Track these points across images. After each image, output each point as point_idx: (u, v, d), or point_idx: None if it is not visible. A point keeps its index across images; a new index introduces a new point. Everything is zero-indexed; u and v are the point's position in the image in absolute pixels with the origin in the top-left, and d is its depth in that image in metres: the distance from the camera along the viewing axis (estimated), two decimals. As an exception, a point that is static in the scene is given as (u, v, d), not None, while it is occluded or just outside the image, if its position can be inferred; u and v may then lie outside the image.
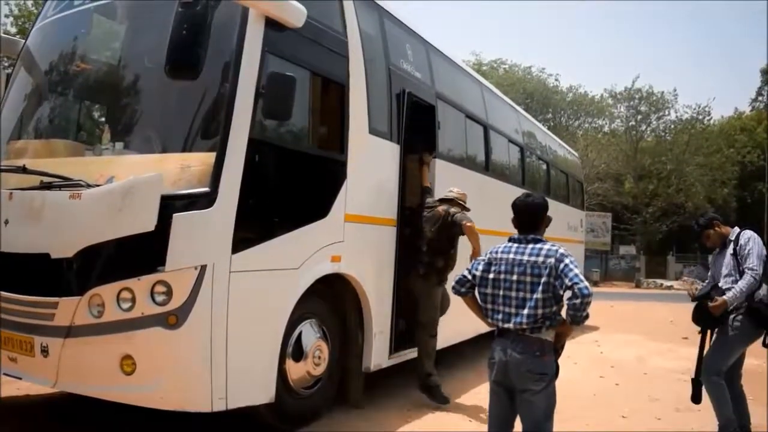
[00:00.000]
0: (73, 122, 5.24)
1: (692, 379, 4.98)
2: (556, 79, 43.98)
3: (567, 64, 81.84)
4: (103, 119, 5.31)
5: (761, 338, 4.82)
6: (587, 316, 3.31)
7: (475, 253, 5.52)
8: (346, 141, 5.20)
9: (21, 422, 4.96)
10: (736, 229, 5.04)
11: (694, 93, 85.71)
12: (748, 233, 4.93)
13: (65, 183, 4.21)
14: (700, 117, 39.18)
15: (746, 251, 4.79)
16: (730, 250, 4.92)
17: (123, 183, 3.93)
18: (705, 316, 4.80)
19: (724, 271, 4.92)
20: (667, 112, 39.51)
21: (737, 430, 4.80)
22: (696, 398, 4.93)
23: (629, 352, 9.89)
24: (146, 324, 3.90)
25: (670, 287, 31.55)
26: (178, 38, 3.78)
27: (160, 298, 3.89)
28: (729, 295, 4.68)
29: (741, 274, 4.78)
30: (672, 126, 39.71)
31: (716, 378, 4.79)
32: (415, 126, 6.35)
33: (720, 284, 4.93)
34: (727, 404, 4.81)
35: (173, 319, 3.86)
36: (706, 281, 5.27)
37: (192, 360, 3.98)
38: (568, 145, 17.17)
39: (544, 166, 11.93)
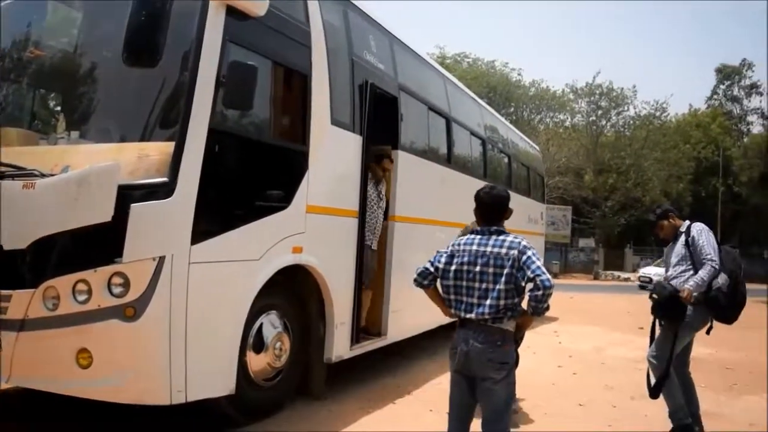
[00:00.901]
0: (27, 111, 5.11)
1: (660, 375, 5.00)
2: (519, 74, 44.49)
3: (530, 60, 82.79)
4: (58, 108, 5.19)
5: (706, 327, 4.96)
6: (548, 308, 3.37)
7: None
8: (308, 132, 5.17)
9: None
10: (687, 222, 5.17)
11: (653, 90, 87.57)
12: (699, 225, 5.07)
13: (18, 173, 4.09)
14: (658, 113, 40.08)
15: (700, 243, 4.90)
16: (681, 240, 5.04)
17: (79, 172, 3.84)
18: (668, 309, 4.87)
19: (674, 260, 5.04)
20: (626, 108, 40.37)
21: (687, 416, 4.93)
22: (655, 393, 4.98)
23: (587, 343, 10.08)
24: (103, 316, 3.82)
25: (627, 279, 32.23)
26: (136, 25, 3.70)
27: (117, 290, 3.82)
28: (691, 283, 4.77)
29: (694, 264, 4.89)
30: (631, 121, 40.51)
31: (663, 365, 4.89)
32: (378, 117, 6.34)
33: (668, 274, 5.04)
34: (677, 391, 4.93)
35: (131, 311, 3.80)
36: (665, 274, 5.40)
37: (150, 352, 3.92)
38: (530, 139, 17.35)
39: (506, 160, 12.04)
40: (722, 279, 4.84)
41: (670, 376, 4.86)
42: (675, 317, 4.85)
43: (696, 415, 5.03)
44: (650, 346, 5.04)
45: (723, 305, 4.84)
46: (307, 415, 5.18)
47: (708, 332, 4.99)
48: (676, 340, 4.84)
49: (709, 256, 4.82)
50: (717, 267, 4.79)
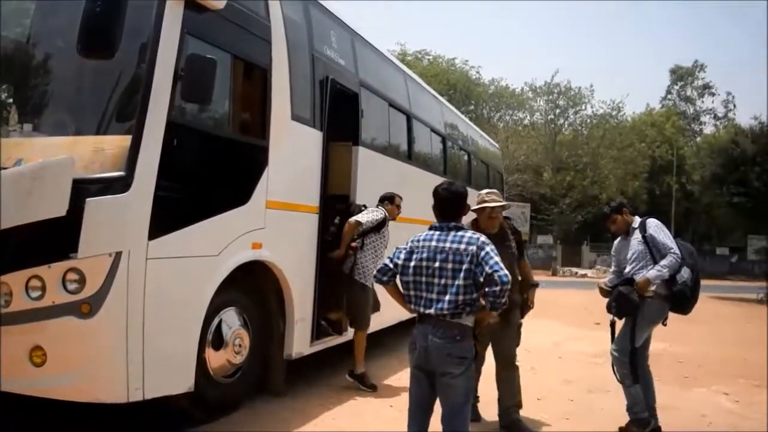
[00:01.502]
0: (-23, 102, 4.96)
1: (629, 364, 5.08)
2: (478, 72, 44.82)
3: (489, 58, 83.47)
4: (10, 100, 5.05)
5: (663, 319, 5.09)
6: (506, 303, 3.40)
7: None
8: (268, 127, 5.14)
9: None
10: (638, 218, 5.28)
11: (610, 90, 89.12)
12: (653, 221, 5.17)
13: (-32, 166, 3.98)
14: (614, 113, 40.85)
15: (660, 238, 5.00)
16: (637, 237, 5.13)
17: (32, 165, 3.75)
18: (622, 303, 4.97)
19: (632, 256, 5.13)
20: (583, 107, 41.01)
21: (644, 410, 5.04)
22: (635, 380, 5.05)
23: (545, 337, 10.20)
24: (57, 313, 3.76)
25: (584, 275, 32.76)
26: (92, 15, 3.63)
27: (72, 287, 3.76)
28: (652, 273, 4.86)
29: (654, 260, 4.98)
30: (588, 120, 41.17)
31: (625, 359, 5.01)
32: (339, 113, 6.34)
33: (626, 271, 5.14)
34: (634, 387, 5.03)
35: (86, 308, 3.74)
36: (612, 269, 5.52)
37: (106, 350, 3.86)
38: (490, 136, 17.51)
39: (466, 157, 12.14)
40: (686, 273, 4.95)
41: (629, 367, 4.97)
42: (629, 311, 4.96)
43: (652, 407, 5.15)
44: (612, 341, 5.14)
45: (688, 298, 4.97)
46: (267, 412, 5.15)
47: (665, 323, 5.11)
48: (635, 334, 4.95)
49: (672, 250, 4.92)
50: (679, 259, 4.90)
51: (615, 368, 5.09)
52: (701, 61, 51.77)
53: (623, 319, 5.08)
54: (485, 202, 4.86)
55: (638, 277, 4.94)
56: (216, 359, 4.78)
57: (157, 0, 4.09)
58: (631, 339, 4.96)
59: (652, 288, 4.90)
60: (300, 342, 5.72)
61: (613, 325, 5.14)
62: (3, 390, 4.00)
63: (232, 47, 4.76)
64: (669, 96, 53.18)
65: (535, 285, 5.50)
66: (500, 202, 4.90)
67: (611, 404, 5.62)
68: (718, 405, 6.27)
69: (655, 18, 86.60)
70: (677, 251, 4.92)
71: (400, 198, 6.62)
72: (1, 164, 3.92)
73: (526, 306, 5.38)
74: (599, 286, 5.36)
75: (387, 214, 6.38)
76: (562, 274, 34.06)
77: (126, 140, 3.90)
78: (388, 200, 6.51)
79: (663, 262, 4.89)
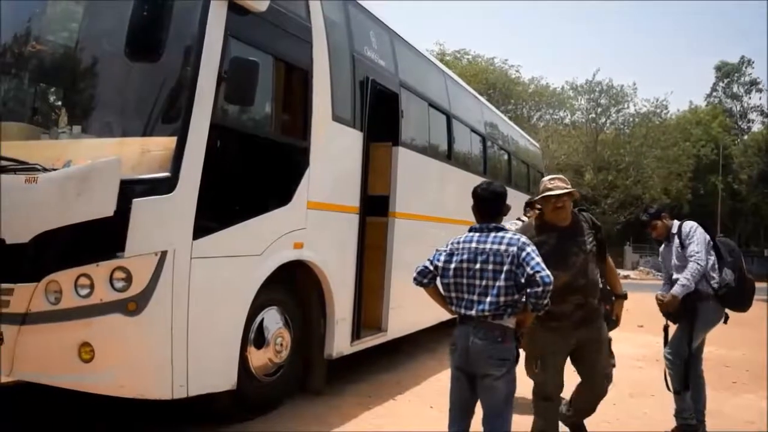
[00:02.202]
0: (28, 105, 5.10)
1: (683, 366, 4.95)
2: (518, 71, 44.34)
3: (529, 56, 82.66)
4: (60, 102, 5.18)
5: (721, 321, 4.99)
6: (548, 304, 3.36)
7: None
8: (309, 127, 5.18)
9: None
10: (677, 222, 5.17)
11: (653, 87, 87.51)
12: (689, 223, 5.06)
13: (20, 167, 4.10)
14: (658, 111, 40.06)
15: (689, 240, 4.90)
16: (676, 243, 5.04)
17: (81, 167, 3.85)
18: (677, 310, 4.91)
19: (677, 263, 5.03)
20: (626, 106, 40.32)
21: (692, 416, 4.93)
22: (684, 386, 4.94)
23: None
24: (105, 311, 3.84)
25: (626, 277, 32.19)
26: (138, 20, 3.71)
27: (119, 285, 3.84)
28: (677, 289, 4.77)
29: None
30: (631, 119, 40.49)
31: (679, 362, 4.91)
32: (379, 114, 6.35)
33: (674, 277, 5.04)
34: (687, 390, 4.94)
35: (133, 306, 3.81)
36: (663, 276, 5.42)
37: (152, 347, 3.93)
38: (530, 136, 17.35)
39: (506, 156, 12.04)
40: (728, 275, 4.85)
41: (683, 373, 4.88)
42: (686, 315, 4.87)
43: (702, 413, 5.03)
44: (665, 345, 5.05)
45: (735, 297, 4.87)
46: (307, 411, 5.19)
47: (725, 321, 5.00)
48: (692, 337, 4.86)
49: (693, 253, 4.81)
50: (701, 263, 4.78)
51: (668, 373, 4.99)
52: (748, 57, 50.43)
53: (677, 323, 4.99)
54: (548, 189, 4.10)
55: (665, 297, 4.87)
56: (258, 358, 4.84)
57: (202, 3, 4.16)
58: (688, 343, 4.87)
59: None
60: (340, 341, 5.75)
61: (666, 329, 5.05)
62: (51, 385, 4.12)
63: (274, 49, 4.82)
64: (714, 93, 51.96)
65: (623, 296, 4.54)
66: (567, 188, 4.09)
67: (654, 409, 5.51)
68: (766, 412, 6.11)
69: (699, 13, 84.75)
70: (699, 254, 4.79)
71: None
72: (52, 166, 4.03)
73: (610, 320, 4.52)
74: (657, 298, 5.16)
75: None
76: (604, 275, 33.52)
77: (171, 142, 3.97)
78: (530, 206, 6.16)
79: (685, 274, 4.78)
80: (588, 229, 4.23)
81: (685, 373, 4.87)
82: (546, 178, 4.22)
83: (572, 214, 4.20)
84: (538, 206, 4.24)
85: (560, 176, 4.24)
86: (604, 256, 4.33)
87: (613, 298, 4.49)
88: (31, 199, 3.95)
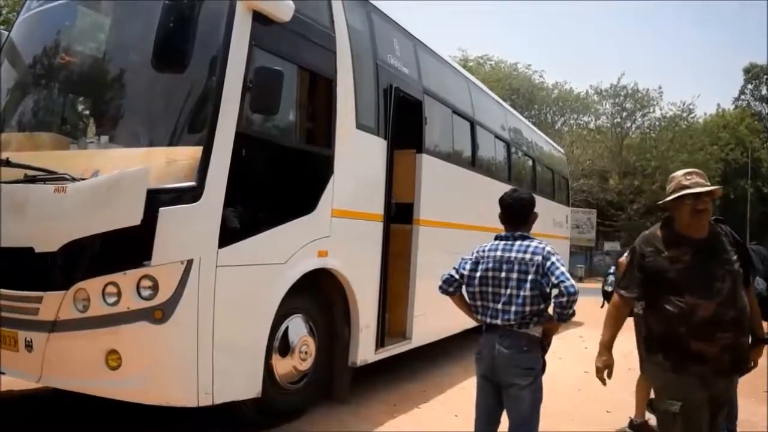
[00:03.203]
0: (57, 115, 5.18)
1: None
2: (542, 76, 44.12)
3: (553, 61, 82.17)
4: (88, 112, 5.26)
5: None
6: (573, 314, 3.33)
7: None
8: (334, 136, 5.20)
9: (3, 417, 4.92)
10: None
11: (679, 91, 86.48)
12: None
13: (50, 176, 4.17)
14: (684, 114, 39.58)
15: None
16: None
17: (109, 177, 3.90)
18: None
19: None
20: (652, 110, 39.85)
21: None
22: None
23: (614, 348, 9.93)
24: (132, 318, 3.87)
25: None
26: (165, 31, 3.76)
27: (146, 293, 3.87)
28: None
29: None
30: (657, 123, 40.02)
31: None
32: (403, 121, 6.35)
33: None
34: None
35: (159, 314, 3.84)
36: None
37: (178, 355, 3.96)
38: (554, 141, 17.24)
39: (530, 163, 11.98)
40: (761, 284, 4.74)
41: None
42: None
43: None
44: None
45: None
46: (332, 419, 5.19)
47: None
48: None
49: None
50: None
51: None
52: (778, 59, 49.59)
53: None
54: (685, 187, 3.17)
55: None
56: (282, 366, 4.85)
57: (227, 14, 4.21)
58: None
59: None
60: (365, 349, 5.74)
61: None
62: (79, 391, 4.17)
63: (298, 58, 4.84)
64: (743, 96, 51.17)
65: (765, 341, 3.47)
66: (707, 185, 3.18)
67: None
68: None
69: (725, 15, 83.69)
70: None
71: None
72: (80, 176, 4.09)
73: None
74: None
75: None
76: (630, 281, 33.10)
77: (197, 151, 4.01)
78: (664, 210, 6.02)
79: None
80: (729, 245, 3.24)
81: None
82: (679, 173, 3.30)
83: (708, 223, 3.26)
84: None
85: (697, 170, 3.31)
86: (748, 282, 3.29)
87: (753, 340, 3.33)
88: (60, 209, 4.00)
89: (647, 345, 3.43)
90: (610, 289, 5.11)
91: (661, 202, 3.25)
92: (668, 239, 3.19)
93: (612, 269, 5.35)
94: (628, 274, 3.34)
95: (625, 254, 5.66)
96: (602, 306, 5.48)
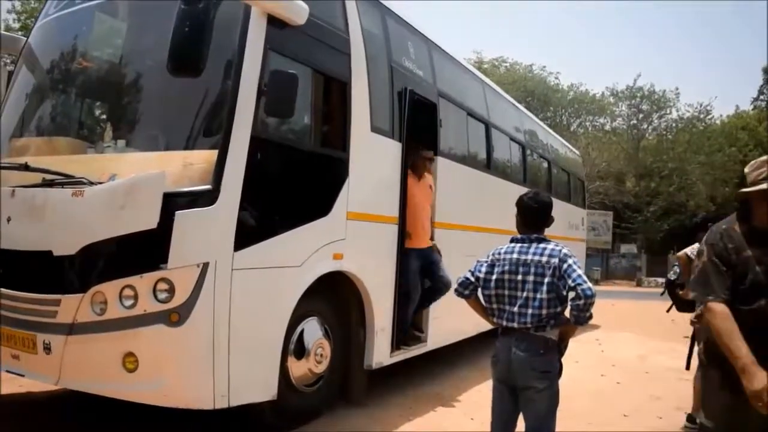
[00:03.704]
0: (75, 120, 5.23)
1: None
2: (557, 78, 43.89)
3: (568, 63, 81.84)
4: (105, 117, 5.30)
5: None
6: (591, 317, 3.30)
7: None
8: (348, 139, 5.20)
9: (22, 419, 4.96)
10: None
11: (696, 92, 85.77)
12: None
13: (67, 181, 4.20)
14: (702, 116, 39.25)
15: None
16: None
17: (125, 181, 3.93)
18: None
19: None
20: (668, 111, 39.62)
21: None
22: None
23: (630, 351, 9.90)
24: (149, 321, 3.90)
25: (671, 286, 31.51)
26: (180, 35, 3.77)
27: (162, 296, 3.89)
28: None
29: None
30: (673, 125, 39.77)
31: None
32: (417, 124, 6.34)
33: None
34: None
35: (175, 317, 3.86)
36: None
37: (194, 357, 3.98)
38: (569, 143, 17.16)
39: (546, 165, 11.92)
40: None
41: None
42: None
43: None
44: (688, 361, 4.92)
45: None
46: (348, 421, 5.18)
47: None
48: None
49: None
50: None
51: None
52: (797, 59, 48.97)
53: None
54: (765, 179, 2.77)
55: None
56: (298, 368, 4.86)
57: (242, 19, 4.23)
58: None
59: None
60: (380, 352, 5.74)
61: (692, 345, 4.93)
62: (96, 394, 4.20)
63: (313, 61, 4.85)
64: (762, 96, 50.56)
65: None
66: None
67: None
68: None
69: (743, 15, 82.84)
70: None
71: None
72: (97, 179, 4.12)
73: None
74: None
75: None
76: (647, 284, 32.88)
77: (213, 155, 4.03)
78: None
79: None
80: None
81: None
82: (759, 160, 2.91)
83: None
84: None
85: None
86: None
87: None
88: (78, 212, 4.04)
89: (706, 355, 3.00)
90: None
91: (743, 190, 2.84)
92: (750, 236, 2.79)
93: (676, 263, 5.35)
94: (713, 276, 2.79)
95: (689, 250, 5.63)
96: (668, 310, 5.41)
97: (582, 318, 3.26)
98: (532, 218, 3.54)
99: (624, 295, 23.58)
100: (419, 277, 6.24)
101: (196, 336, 3.92)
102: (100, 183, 4.08)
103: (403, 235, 6.07)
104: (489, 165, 8.45)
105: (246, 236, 4.14)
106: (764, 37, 72.93)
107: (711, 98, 54.40)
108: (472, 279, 3.54)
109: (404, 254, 6.04)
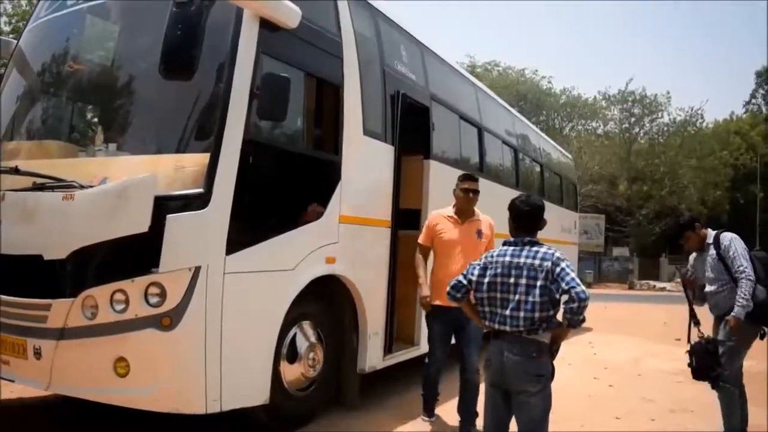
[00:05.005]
0: (66, 123, 5.20)
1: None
2: (549, 82, 44.14)
3: (560, 67, 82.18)
4: (96, 120, 5.28)
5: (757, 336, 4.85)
6: (584, 320, 3.31)
7: None
8: (341, 142, 5.19)
9: (14, 425, 4.92)
10: (713, 232, 5.04)
11: (688, 96, 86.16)
12: (728, 235, 4.94)
13: (58, 184, 4.18)
14: (693, 120, 39.45)
15: (731, 253, 4.79)
16: (712, 253, 4.92)
17: (116, 184, 3.91)
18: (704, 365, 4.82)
19: (710, 275, 4.92)
20: (660, 115, 39.83)
21: None
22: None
23: (623, 354, 9.91)
24: (140, 326, 3.87)
25: (663, 289, 31.67)
26: (172, 38, 3.75)
27: (153, 300, 3.87)
28: (739, 310, 4.66)
29: (731, 278, 4.77)
30: (665, 128, 39.96)
31: (729, 386, 4.81)
32: (410, 127, 6.34)
33: (707, 289, 4.94)
34: (737, 413, 4.83)
35: (167, 321, 3.84)
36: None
37: (186, 362, 3.96)
38: (562, 147, 17.20)
39: (538, 168, 11.95)
40: (761, 293, 4.73)
41: (734, 395, 4.81)
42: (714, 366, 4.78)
43: (744, 430, 4.91)
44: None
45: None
46: (341, 425, 5.17)
47: (762, 337, 4.93)
48: (731, 360, 4.83)
49: (741, 268, 4.70)
50: (752, 278, 4.69)
51: (718, 396, 4.94)
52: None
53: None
54: None
55: (729, 318, 4.73)
56: (290, 372, 4.84)
57: (234, 21, 4.21)
58: (731, 363, 4.79)
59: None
60: (373, 356, 5.72)
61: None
62: (87, 399, 4.17)
63: (305, 65, 4.84)
64: (754, 100, 50.83)
65: None
66: None
67: (694, 424, 5.38)
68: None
69: (735, 18, 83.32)
70: (747, 271, 4.69)
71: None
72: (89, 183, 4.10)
73: None
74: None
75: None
76: (639, 287, 33.00)
77: (204, 158, 4.01)
78: None
79: (740, 293, 4.67)
80: None
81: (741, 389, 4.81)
82: None
83: None
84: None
85: None
86: None
87: None
88: (69, 216, 4.02)
89: None
90: None
91: None
92: None
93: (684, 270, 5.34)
94: None
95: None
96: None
97: (575, 321, 3.27)
98: (525, 221, 3.54)
99: (616, 298, 23.65)
100: (446, 339, 5.41)
101: (188, 340, 3.90)
102: (91, 186, 4.06)
103: (395, 238, 6.05)
104: (481, 168, 8.45)
105: (238, 240, 4.12)
106: (758, 40, 73.42)
107: (702, 102, 54.70)
108: (465, 282, 3.54)
109: (427, 313, 5.40)
